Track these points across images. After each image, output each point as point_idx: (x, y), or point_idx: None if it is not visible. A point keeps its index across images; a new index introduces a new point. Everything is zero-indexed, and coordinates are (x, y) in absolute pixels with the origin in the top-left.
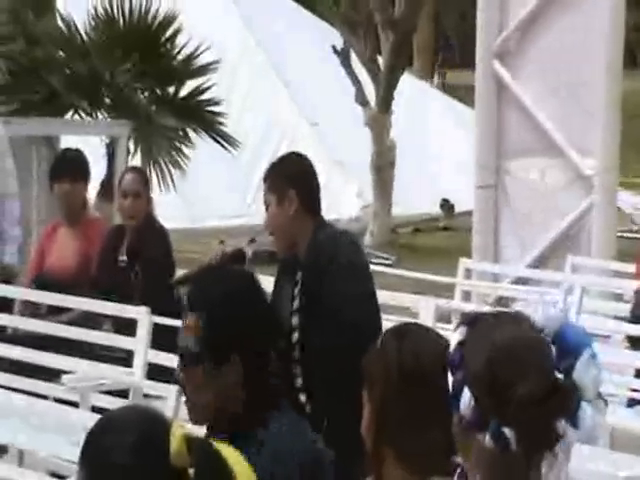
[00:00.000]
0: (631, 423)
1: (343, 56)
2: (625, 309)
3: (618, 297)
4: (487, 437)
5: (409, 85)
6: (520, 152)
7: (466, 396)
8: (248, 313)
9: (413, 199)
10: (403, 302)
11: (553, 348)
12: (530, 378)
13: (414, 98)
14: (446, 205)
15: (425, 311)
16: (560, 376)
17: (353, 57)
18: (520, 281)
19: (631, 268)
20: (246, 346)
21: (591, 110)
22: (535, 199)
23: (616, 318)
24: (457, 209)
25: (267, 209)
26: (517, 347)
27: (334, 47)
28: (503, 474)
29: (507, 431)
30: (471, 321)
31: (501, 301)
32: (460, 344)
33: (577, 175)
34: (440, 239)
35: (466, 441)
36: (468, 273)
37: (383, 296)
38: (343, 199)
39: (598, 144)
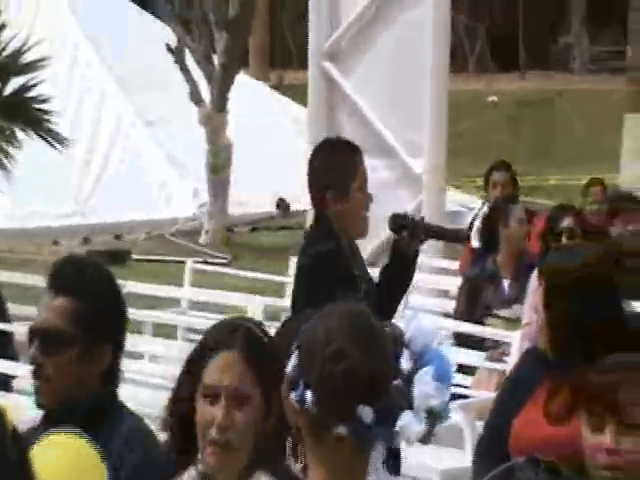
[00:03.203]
0: (452, 417)
1: (177, 54)
2: (451, 305)
3: (444, 293)
4: (294, 395)
5: (245, 85)
6: None
7: (293, 357)
8: (122, 304)
9: (250, 198)
10: (233, 301)
11: (404, 354)
12: (333, 353)
13: (250, 98)
14: (282, 204)
15: (254, 310)
16: (397, 382)
17: (188, 55)
18: None
19: (456, 265)
20: (117, 337)
21: (419, 111)
22: None
23: (444, 315)
24: (294, 208)
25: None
26: (349, 325)
27: (168, 45)
28: (311, 439)
29: (308, 393)
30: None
31: None
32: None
33: (407, 175)
34: (277, 238)
35: (286, 401)
36: None
37: (214, 295)
38: (179, 198)
39: (426, 144)
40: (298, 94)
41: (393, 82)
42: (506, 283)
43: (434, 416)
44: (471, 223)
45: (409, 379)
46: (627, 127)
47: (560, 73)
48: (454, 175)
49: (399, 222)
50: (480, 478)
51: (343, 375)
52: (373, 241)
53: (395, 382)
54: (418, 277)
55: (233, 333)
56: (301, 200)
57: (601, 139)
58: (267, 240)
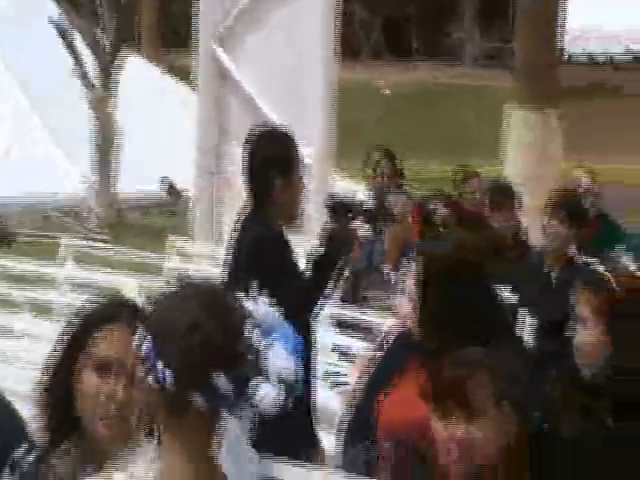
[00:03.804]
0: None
1: (64, 33)
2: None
3: None
4: (151, 377)
5: (135, 66)
6: (241, 137)
7: (146, 340)
8: None
9: (138, 179)
10: (109, 280)
11: (252, 328)
12: (187, 323)
13: (139, 79)
14: (170, 186)
15: (129, 290)
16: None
17: (76, 34)
18: None
19: None
20: None
21: (308, 99)
22: None
23: None
24: (180, 190)
25: None
26: (202, 300)
27: (55, 23)
28: (167, 415)
29: (164, 369)
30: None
31: None
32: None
33: None
34: (163, 220)
35: (140, 383)
36: (184, 253)
37: (91, 274)
38: (66, 177)
39: (315, 133)
40: (189, 77)
41: (283, 69)
42: (389, 271)
43: (288, 387)
44: None
45: (260, 354)
46: (512, 122)
47: (451, 66)
48: (344, 164)
49: (341, 207)
50: (347, 460)
51: (200, 345)
52: None
53: (248, 357)
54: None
55: (124, 307)
56: (189, 183)
57: (487, 132)
58: (154, 222)
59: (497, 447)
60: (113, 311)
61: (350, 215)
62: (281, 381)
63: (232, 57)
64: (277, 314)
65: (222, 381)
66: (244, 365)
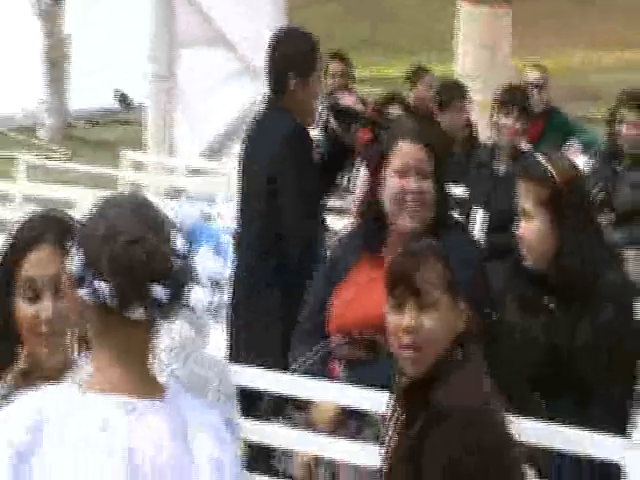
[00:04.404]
0: None
1: None
2: None
3: None
4: (85, 291)
5: None
6: (192, 43)
7: (75, 254)
8: None
9: (90, 92)
10: (64, 195)
11: (180, 235)
12: (127, 237)
13: None
14: (123, 98)
15: (85, 204)
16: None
17: None
18: (194, 172)
19: None
20: None
21: (259, 4)
22: (207, 91)
23: None
24: (136, 102)
25: None
26: (136, 212)
27: None
28: (103, 329)
29: (102, 284)
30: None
31: (174, 193)
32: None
33: (246, 67)
34: (118, 132)
35: (72, 299)
36: (138, 165)
37: (46, 189)
38: (17, 93)
39: (266, 35)
40: None
41: None
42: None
43: (220, 288)
44: None
45: (186, 258)
46: (462, 19)
47: None
48: None
49: (348, 115)
50: (301, 358)
51: (142, 259)
52: (214, 133)
53: (181, 264)
54: None
55: (48, 225)
56: (140, 94)
57: (438, 30)
58: (108, 135)
59: (448, 338)
60: (41, 230)
61: (355, 122)
62: (211, 283)
63: None
64: (196, 213)
65: (160, 291)
66: (179, 273)
